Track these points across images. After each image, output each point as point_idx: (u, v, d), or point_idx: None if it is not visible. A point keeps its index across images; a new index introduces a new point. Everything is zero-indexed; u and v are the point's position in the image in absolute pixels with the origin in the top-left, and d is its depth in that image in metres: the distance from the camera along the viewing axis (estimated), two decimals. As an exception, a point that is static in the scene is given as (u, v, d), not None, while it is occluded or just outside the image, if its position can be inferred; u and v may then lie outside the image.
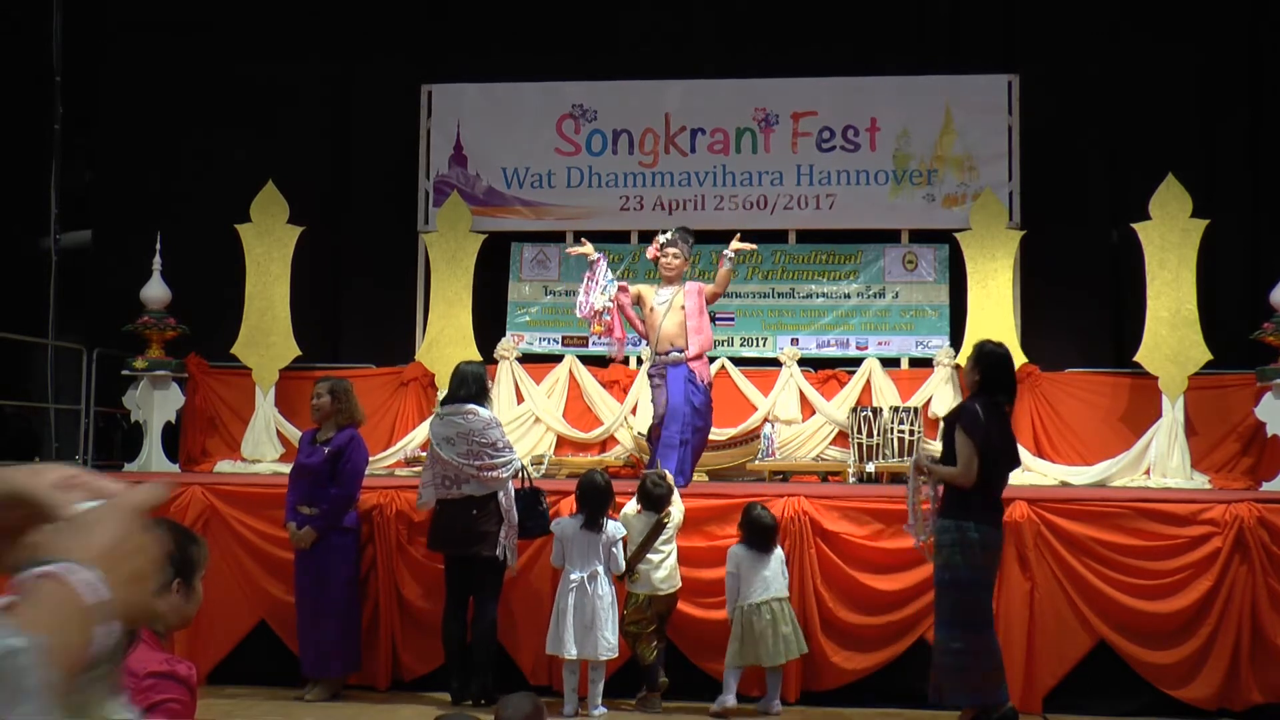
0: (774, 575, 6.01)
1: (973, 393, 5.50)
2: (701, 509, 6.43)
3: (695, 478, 7.45)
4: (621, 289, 7.38)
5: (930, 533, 5.44)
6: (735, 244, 7.48)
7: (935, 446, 7.14)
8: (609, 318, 7.35)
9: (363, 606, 6.60)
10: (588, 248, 7.59)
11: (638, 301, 7.40)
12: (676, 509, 6.18)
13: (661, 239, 7.39)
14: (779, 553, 6.12)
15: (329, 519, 6.32)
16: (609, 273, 7.42)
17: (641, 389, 8.36)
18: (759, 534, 6.04)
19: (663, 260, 7.33)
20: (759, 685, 6.16)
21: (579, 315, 7.64)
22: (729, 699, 6.01)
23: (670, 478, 6.40)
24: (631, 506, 6.18)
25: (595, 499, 6.06)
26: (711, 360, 8.92)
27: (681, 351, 7.13)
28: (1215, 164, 9.20)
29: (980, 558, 5.32)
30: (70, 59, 9.89)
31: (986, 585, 5.46)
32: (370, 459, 8.58)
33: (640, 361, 8.70)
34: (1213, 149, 9.26)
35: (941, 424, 5.83)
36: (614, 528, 6.08)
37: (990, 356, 5.50)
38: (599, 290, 7.31)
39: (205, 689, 6.31)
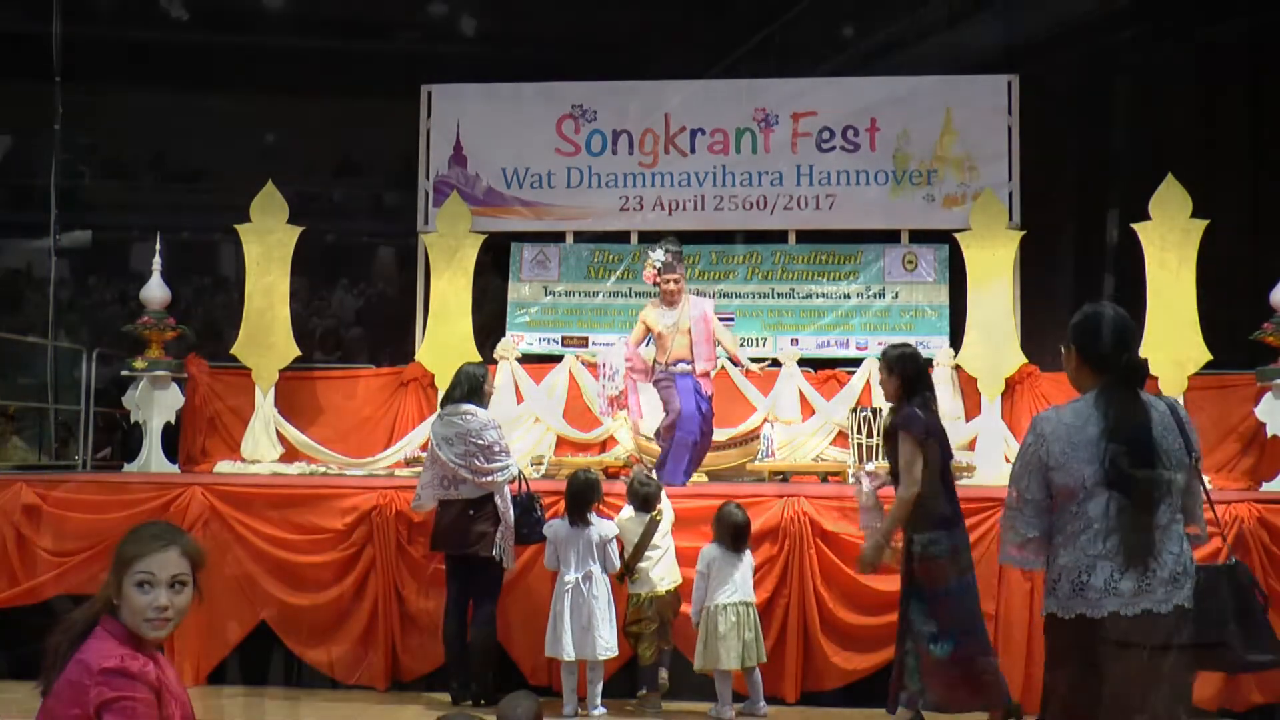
0: (743, 578, 5.90)
1: (903, 397, 5.38)
2: (700, 510, 6.41)
3: (695, 478, 7.51)
4: (628, 360, 7.57)
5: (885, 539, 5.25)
6: (747, 364, 7.69)
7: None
8: (623, 398, 7.61)
9: (360, 606, 6.59)
10: (588, 353, 8.14)
11: (646, 333, 7.60)
12: (667, 507, 6.17)
13: (657, 264, 7.48)
14: (748, 557, 6.01)
15: None
16: (611, 365, 7.56)
17: (644, 390, 8.35)
18: (731, 532, 5.92)
19: (664, 287, 7.46)
20: (739, 684, 6.11)
21: (600, 413, 8.22)
22: (726, 710, 5.92)
23: (655, 476, 6.47)
24: (626, 511, 6.17)
25: (576, 496, 6.04)
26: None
27: (690, 364, 7.39)
28: (1215, 164, 9.19)
29: (967, 560, 5.29)
30: (70, 59, 9.89)
31: (974, 585, 5.38)
32: (369, 459, 8.66)
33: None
34: (1213, 149, 9.25)
35: (884, 435, 5.71)
36: (605, 526, 6.04)
37: (906, 359, 5.41)
38: (609, 381, 7.56)
39: (205, 689, 6.32)
